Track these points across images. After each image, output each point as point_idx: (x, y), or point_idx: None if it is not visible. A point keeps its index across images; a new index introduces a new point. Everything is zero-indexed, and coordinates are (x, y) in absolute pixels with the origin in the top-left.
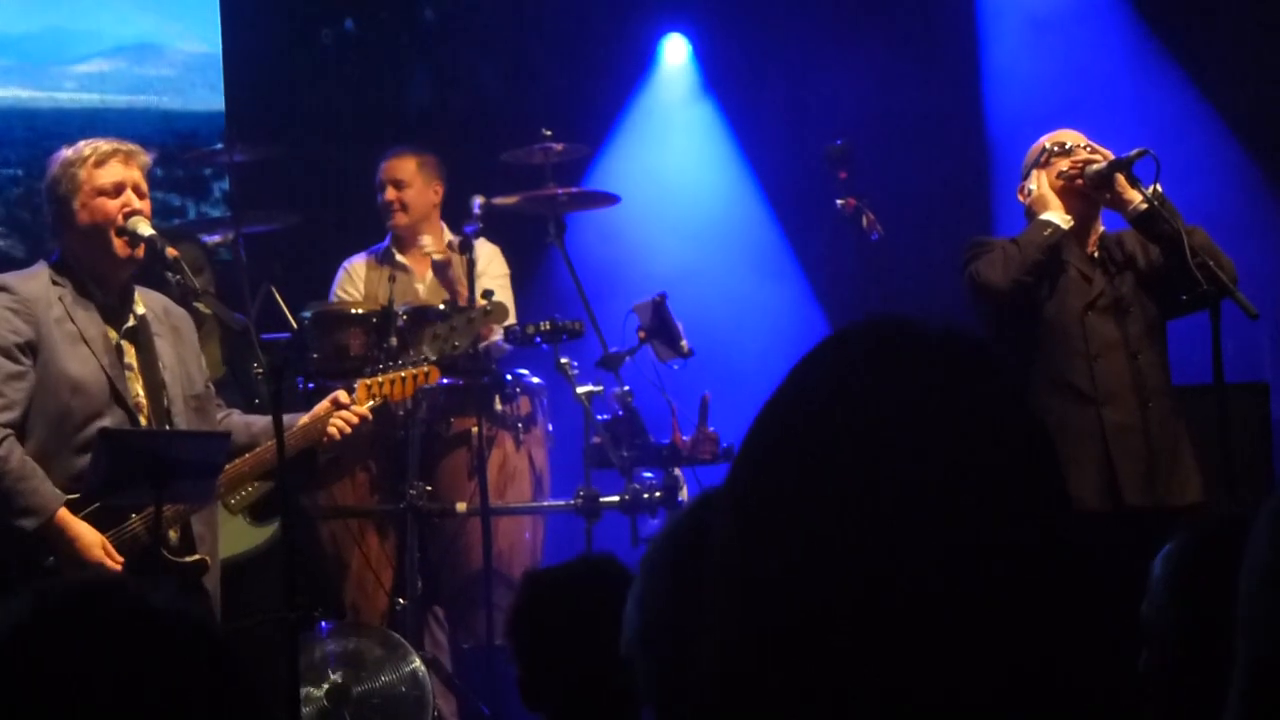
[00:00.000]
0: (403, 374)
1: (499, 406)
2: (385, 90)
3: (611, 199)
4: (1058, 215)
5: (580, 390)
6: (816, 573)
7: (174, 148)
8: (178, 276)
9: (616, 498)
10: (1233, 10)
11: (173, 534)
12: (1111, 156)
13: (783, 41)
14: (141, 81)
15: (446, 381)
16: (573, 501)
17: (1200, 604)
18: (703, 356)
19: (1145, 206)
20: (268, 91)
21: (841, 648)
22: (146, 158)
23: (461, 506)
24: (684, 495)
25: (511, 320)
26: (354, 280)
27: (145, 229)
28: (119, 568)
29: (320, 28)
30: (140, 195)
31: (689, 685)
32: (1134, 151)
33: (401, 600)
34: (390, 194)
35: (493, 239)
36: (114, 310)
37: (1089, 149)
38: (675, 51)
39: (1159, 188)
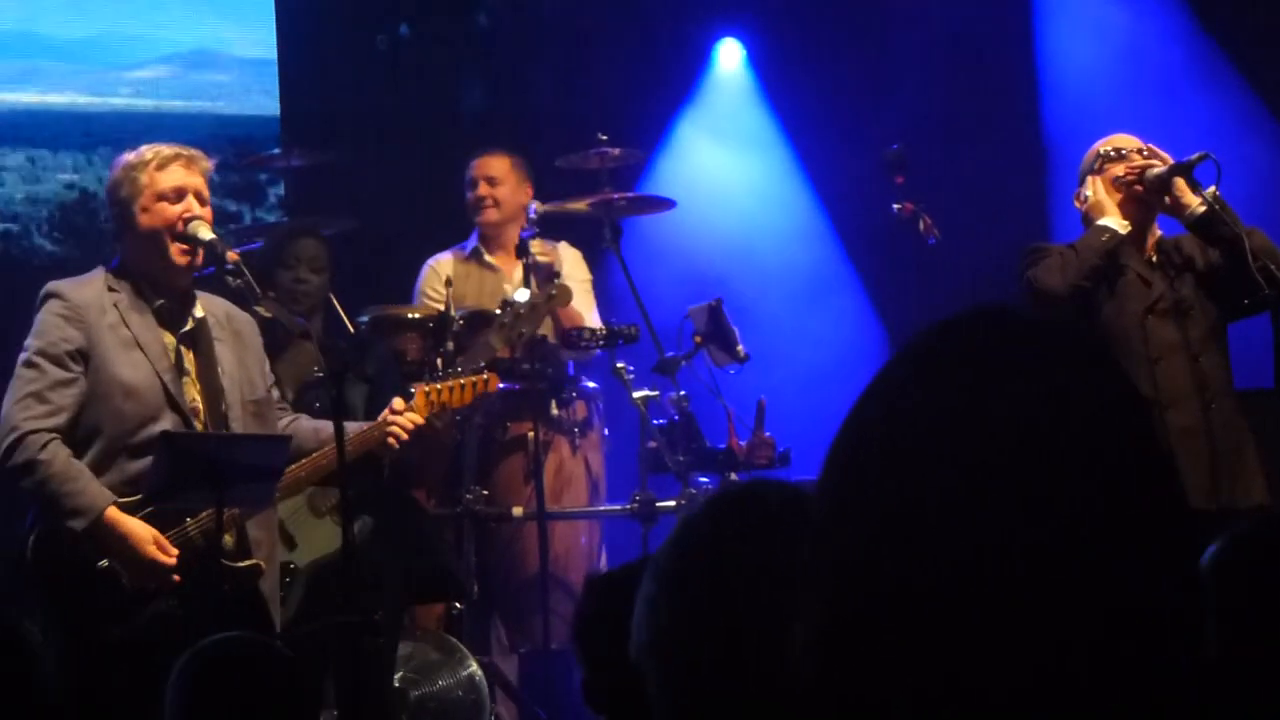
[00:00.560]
0: (462, 381)
1: (555, 411)
2: (440, 95)
3: (667, 203)
4: (1115, 220)
5: (636, 395)
6: (905, 572)
7: (229, 153)
8: (238, 280)
9: (672, 502)
10: None
11: (228, 538)
12: (1168, 160)
13: (837, 45)
14: (197, 87)
15: (503, 386)
16: (629, 506)
17: (1245, 603)
18: (759, 361)
19: (1203, 210)
20: (323, 97)
21: (923, 638)
22: (208, 163)
23: (518, 511)
24: None
25: (593, 323)
26: (440, 278)
27: (205, 233)
28: (173, 562)
29: (375, 33)
30: (201, 201)
31: (702, 692)
32: (1194, 155)
33: (458, 604)
34: (483, 189)
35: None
36: (172, 315)
37: (1145, 153)
38: (730, 56)
39: (1216, 191)
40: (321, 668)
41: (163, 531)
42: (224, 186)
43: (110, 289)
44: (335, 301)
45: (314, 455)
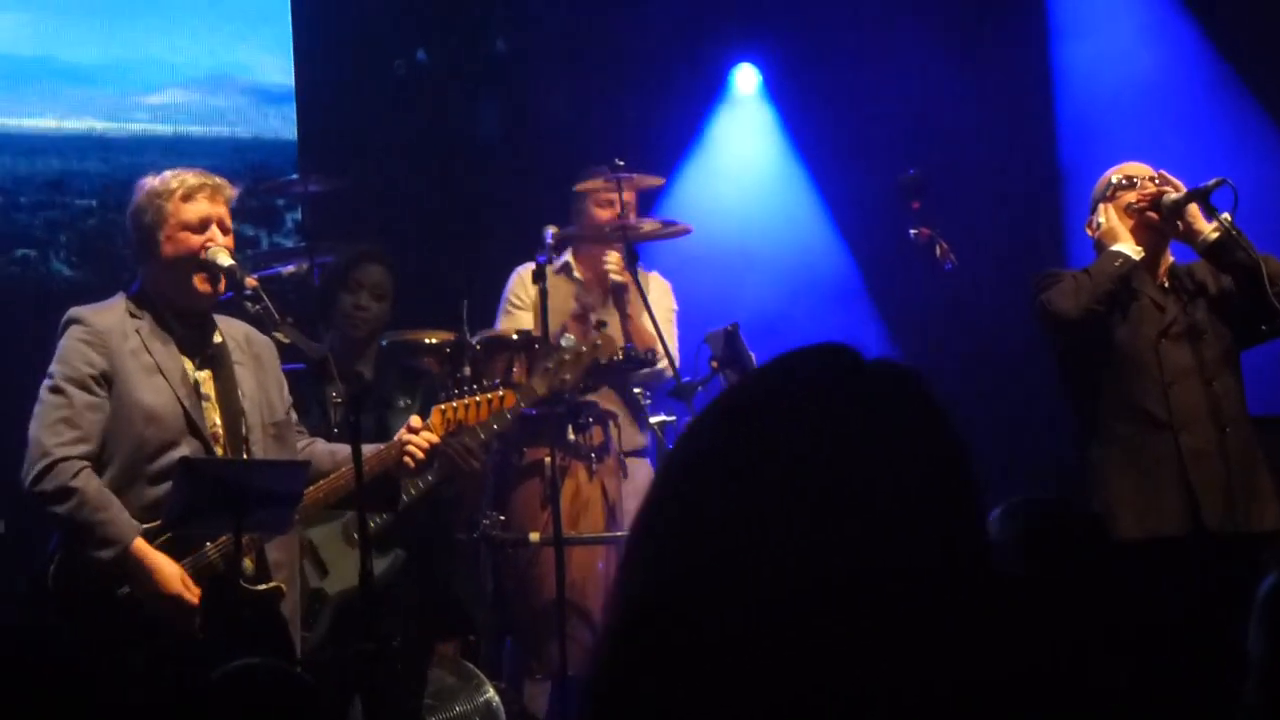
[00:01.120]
0: (478, 399)
1: (571, 436)
2: (457, 120)
3: (683, 229)
4: (1128, 246)
5: (653, 420)
6: (732, 580)
7: (247, 178)
8: (257, 306)
9: None
10: None
11: (248, 562)
12: (1181, 187)
13: (854, 71)
14: (215, 112)
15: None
16: None
17: None
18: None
19: (1216, 237)
20: (340, 121)
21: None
22: (232, 191)
23: (534, 536)
24: None
25: (663, 359)
26: (525, 285)
27: (225, 259)
28: (196, 600)
29: (392, 58)
30: (224, 230)
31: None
32: (1211, 181)
33: (473, 638)
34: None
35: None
36: (192, 341)
37: (1157, 181)
38: (746, 81)
39: (1230, 217)
40: (345, 695)
41: (182, 555)
42: (241, 211)
43: (131, 314)
44: None
45: (331, 477)
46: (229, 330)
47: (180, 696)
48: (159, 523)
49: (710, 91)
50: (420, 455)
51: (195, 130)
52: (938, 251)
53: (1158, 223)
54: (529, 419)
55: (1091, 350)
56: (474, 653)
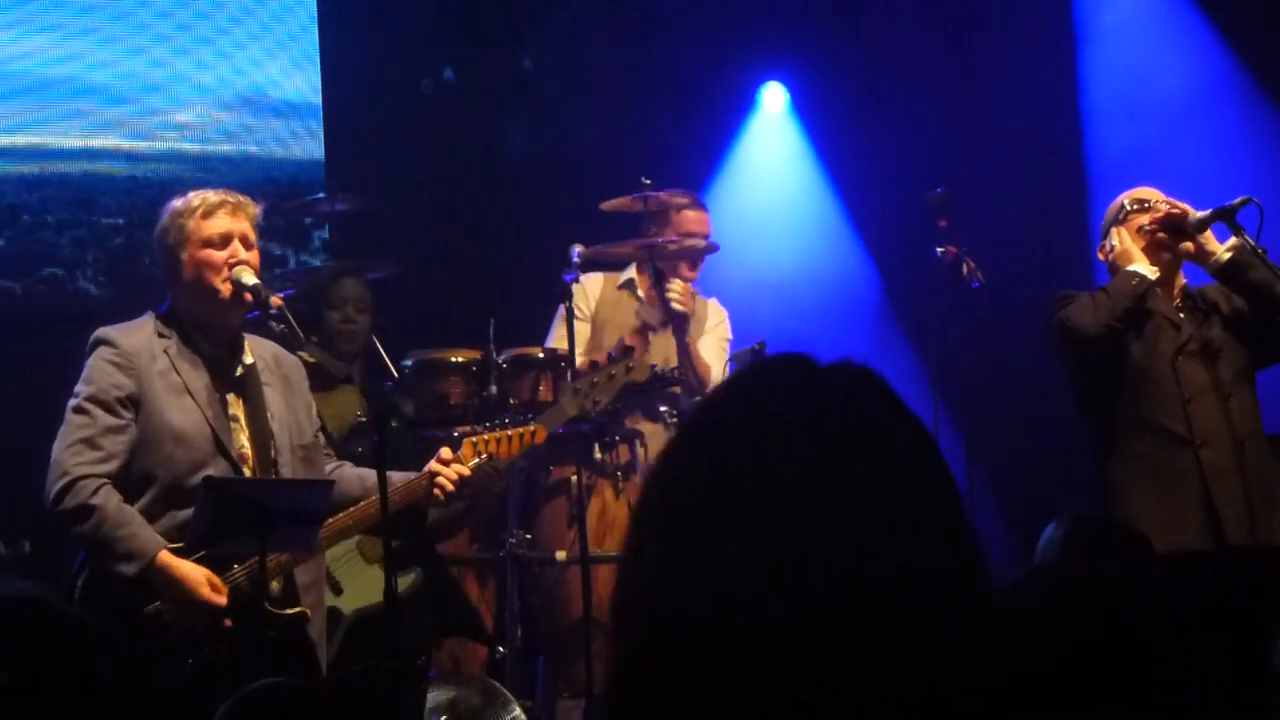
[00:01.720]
0: (509, 433)
1: (598, 455)
2: (484, 139)
3: (711, 247)
4: (1144, 266)
5: None
6: (716, 579)
7: (274, 196)
8: (282, 326)
9: None
10: None
11: (275, 585)
12: (1191, 212)
13: (881, 90)
14: (242, 130)
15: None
16: None
17: None
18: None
19: (1229, 258)
20: (367, 140)
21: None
22: (255, 209)
23: (561, 555)
24: None
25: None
26: (587, 296)
27: (250, 278)
28: (225, 602)
29: (420, 77)
30: (247, 246)
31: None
32: (1237, 200)
33: (501, 649)
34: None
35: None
36: (221, 361)
37: (1168, 204)
38: (774, 100)
39: (1248, 238)
40: (367, 714)
41: None
42: (269, 230)
43: (160, 335)
44: (379, 345)
45: (361, 504)
46: (258, 350)
47: (205, 717)
48: (184, 544)
49: (738, 110)
50: (450, 487)
51: (223, 149)
52: (965, 269)
53: (1170, 244)
54: (556, 438)
55: (1109, 368)
56: (500, 670)
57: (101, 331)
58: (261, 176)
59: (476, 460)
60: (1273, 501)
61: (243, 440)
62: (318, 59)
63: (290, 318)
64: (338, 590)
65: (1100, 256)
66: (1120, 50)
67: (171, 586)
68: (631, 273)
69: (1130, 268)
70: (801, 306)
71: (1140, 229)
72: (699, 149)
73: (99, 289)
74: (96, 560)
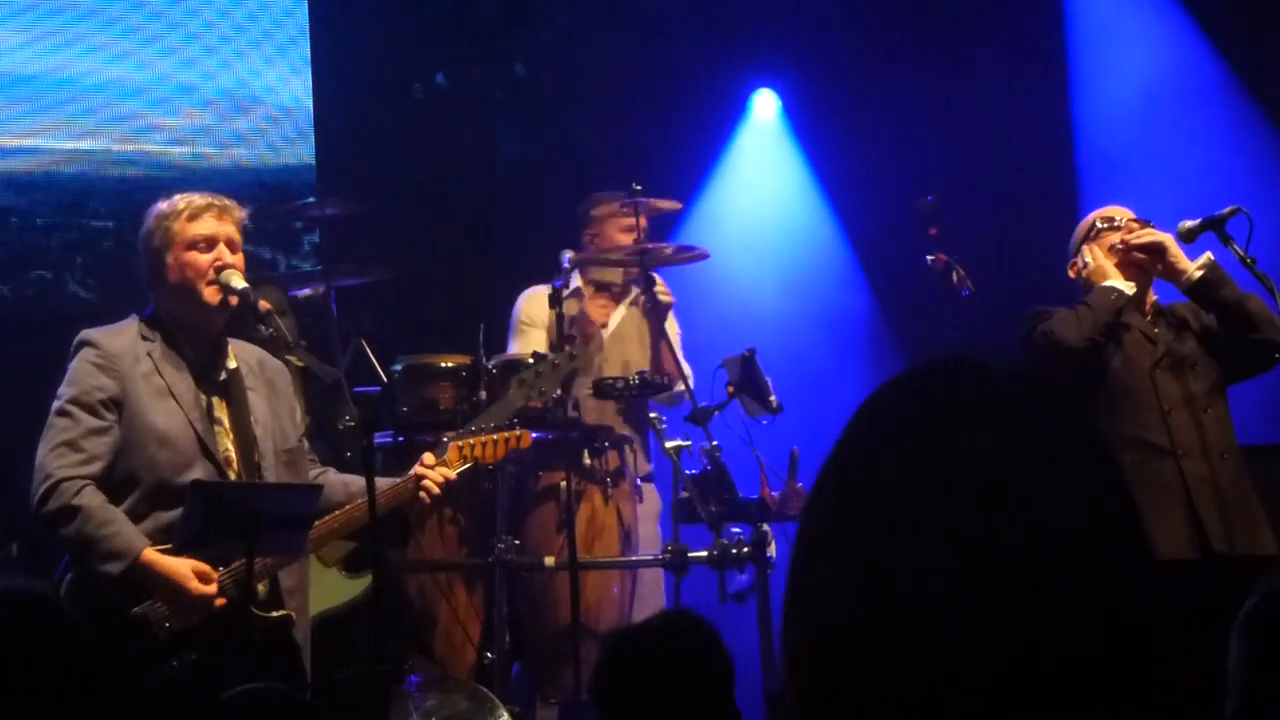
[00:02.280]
0: (494, 436)
1: (587, 461)
2: (476, 144)
3: (701, 254)
4: (1119, 282)
5: (669, 445)
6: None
7: (265, 201)
8: (270, 330)
9: (705, 553)
10: None
11: (261, 588)
12: (1158, 234)
13: (872, 97)
14: (232, 134)
15: (536, 435)
16: (661, 556)
17: (1275, 660)
18: (792, 412)
19: (1200, 275)
20: (358, 144)
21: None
22: (241, 212)
23: (549, 560)
24: (772, 551)
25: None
26: (538, 307)
27: (238, 282)
28: (214, 590)
29: (411, 81)
30: (233, 249)
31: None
32: (1226, 209)
33: (489, 654)
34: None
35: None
36: (205, 365)
37: (1138, 223)
38: (765, 106)
39: (1237, 247)
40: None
41: None
42: (258, 234)
43: (144, 338)
44: (368, 349)
45: (347, 508)
46: (242, 355)
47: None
48: (170, 546)
49: (729, 116)
50: (436, 491)
51: (213, 152)
52: (954, 278)
53: (1144, 262)
54: (545, 443)
55: (1088, 382)
56: (488, 676)
57: (85, 333)
58: (252, 181)
59: (461, 464)
60: (1251, 514)
61: (227, 443)
62: (309, 63)
63: (278, 322)
64: None
65: (1070, 274)
66: (1112, 60)
67: (158, 583)
68: (577, 280)
69: (1107, 283)
70: (791, 313)
71: (1111, 247)
72: (690, 155)
73: (88, 292)
74: (82, 561)
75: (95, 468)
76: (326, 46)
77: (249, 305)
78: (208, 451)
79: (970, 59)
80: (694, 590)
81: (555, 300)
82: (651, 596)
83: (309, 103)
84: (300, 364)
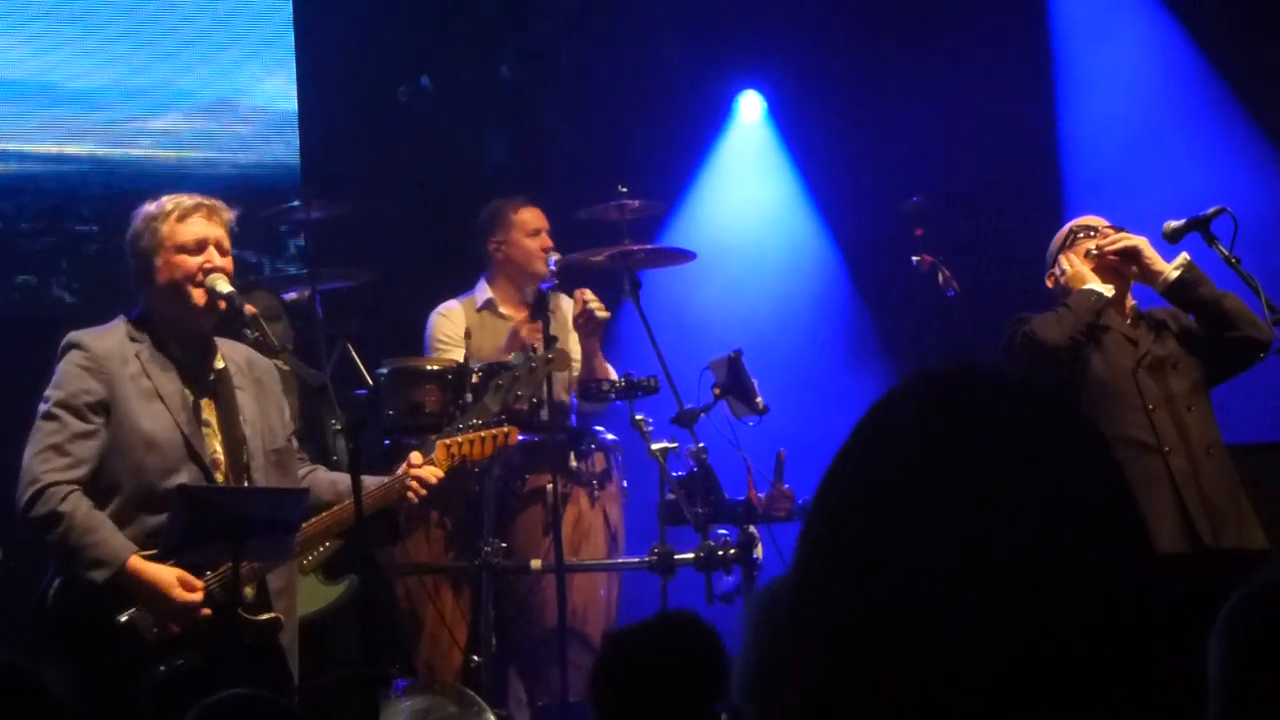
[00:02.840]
0: (481, 434)
1: (574, 463)
2: (462, 147)
3: (687, 255)
4: (1098, 285)
5: (655, 447)
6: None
7: (250, 203)
8: (256, 334)
9: (691, 555)
10: None
11: (249, 591)
12: (1133, 239)
13: (857, 98)
14: (217, 137)
15: (522, 438)
16: (647, 558)
17: (1256, 662)
18: (778, 413)
19: (1176, 276)
20: (344, 148)
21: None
22: (229, 214)
23: (536, 563)
24: (759, 552)
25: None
26: (454, 325)
27: (224, 286)
28: (199, 598)
29: (397, 84)
30: (222, 252)
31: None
32: (1211, 210)
33: (476, 657)
34: (547, 239)
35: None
36: (193, 366)
37: (1115, 230)
38: (750, 108)
39: (1222, 247)
40: None
41: None
42: (244, 238)
43: (132, 339)
44: (354, 352)
45: (334, 509)
46: (231, 355)
47: None
48: (157, 551)
49: (714, 118)
50: (423, 491)
51: (198, 155)
52: (940, 278)
53: (1121, 266)
54: (531, 446)
55: (1070, 382)
56: (475, 679)
57: (73, 335)
58: (237, 183)
59: (449, 463)
60: (1239, 509)
61: (215, 445)
62: (294, 65)
63: (264, 326)
64: None
65: (1049, 283)
66: (1096, 59)
67: (143, 590)
68: (488, 292)
69: (1086, 286)
70: (778, 315)
71: (1088, 253)
72: (676, 157)
73: (73, 296)
74: (68, 567)
75: (82, 472)
76: (311, 49)
77: (235, 309)
78: (195, 454)
79: (956, 60)
80: (680, 592)
81: (542, 304)
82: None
83: (294, 105)
84: (286, 368)
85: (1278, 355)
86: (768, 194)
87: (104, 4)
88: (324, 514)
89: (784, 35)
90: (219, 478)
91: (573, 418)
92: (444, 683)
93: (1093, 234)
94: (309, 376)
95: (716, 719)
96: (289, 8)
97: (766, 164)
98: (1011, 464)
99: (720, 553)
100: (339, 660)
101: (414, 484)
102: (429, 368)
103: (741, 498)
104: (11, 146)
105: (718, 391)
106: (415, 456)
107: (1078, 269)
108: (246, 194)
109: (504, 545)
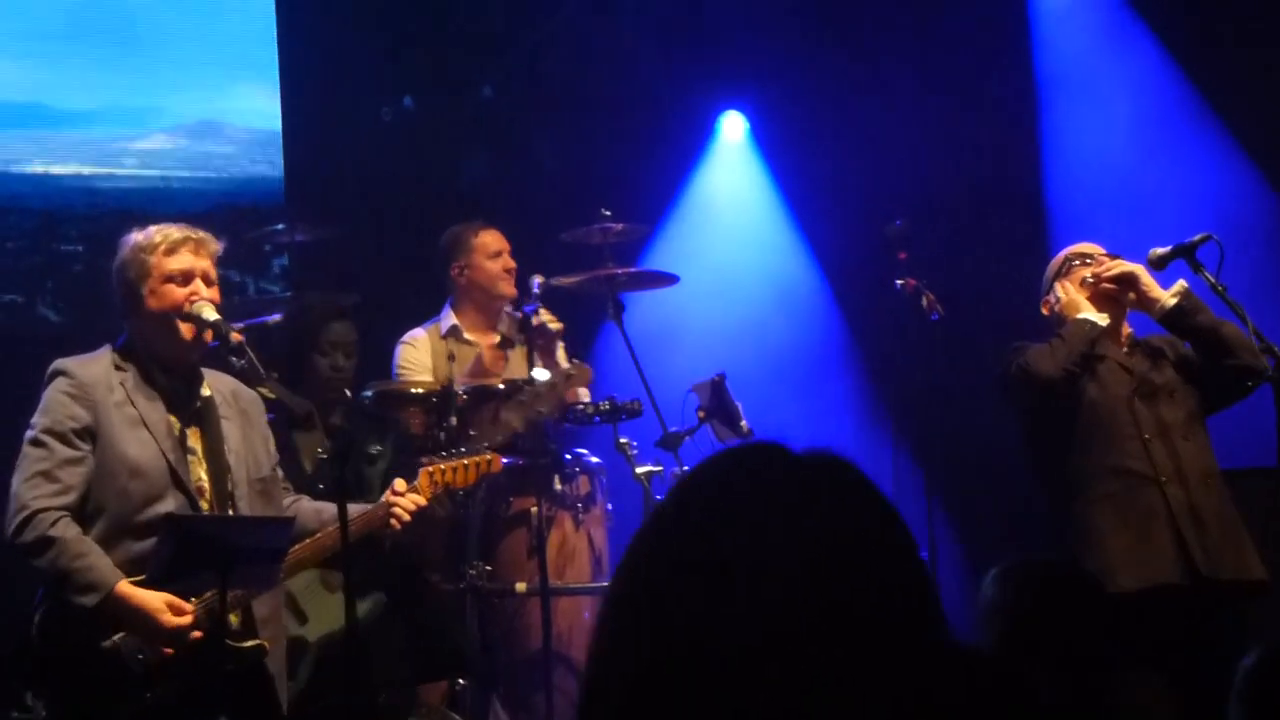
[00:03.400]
0: (465, 462)
1: (558, 486)
2: (444, 167)
3: (670, 278)
4: (1092, 314)
5: (640, 470)
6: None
7: (234, 222)
8: (242, 361)
9: None
10: None
11: (234, 618)
12: (1128, 266)
13: (841, 118)
14: (202, 157)
15: (506, 461)
16: None
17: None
18: (762, 436)
19: (1174, 304)
20: (327, 167)
21: None
22: (217, 245)
23: (521, 586)
24: None
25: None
26: (419, 352)
27: (210, 314)
28: (189, 621)
29: (380, 104)
30: (209, 283)
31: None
32: (1197, 236)
33: (461, 680)
34: (510, 261)
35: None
36: (179, 394)
37: (1110, 258)
38: (733, 129)
39: (1207, 274)
40: None
41: None
42: (228, 258)
43: (117, 367)
44: None
45: (317, 536)
46: (216, 384)
47: None
48: (143, 577)
49: (697, 139)
50: (407, 518)
51: (183, 175)
52: (924, 302)
53: (1117, 294)
54: (516, 469)
55: (1067, 413)
56: (459, 702)
57: (59, 363)
58: (222, 203)
59: (433, 489)
60: (1238, 538)
61: (200, 473)
62: (278, 85)
63: (251, 353)
64: (303, 619)
65: (1044, 311)
66: (1082, 80)
67: (132, 616)
68: (453, 319)
69: (1080, 315)
70: (761, 337)
71: (1084, 280)
72: (658, 178)
73: (58, 315)
74: (56, 592)
75: (71, 498)
76: (295, 69)
77: (221, 337)
78: (179, 482)
79: (940, 80)
80: None
81: (525, 325)
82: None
83: (278, 125)
84: (272, 395)
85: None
86: (751, 215)
87: (90, 25)
88: (307, 541)
89: (767, 55)
90: (204, 505)
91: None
92: (429, 705)
93: (1088, 261)
94: (294, 404)
95: None
96: (273, 29)
97: (750, 185)
98: (789, 541)
99: None
100: (371, 675)
101: (397, 511)
102: (414, 391)
103: None
104: None
105: (702, 415)
106: (399, 484)
107: (1072, 297)
108: (231, 213)
109: (489, 568)
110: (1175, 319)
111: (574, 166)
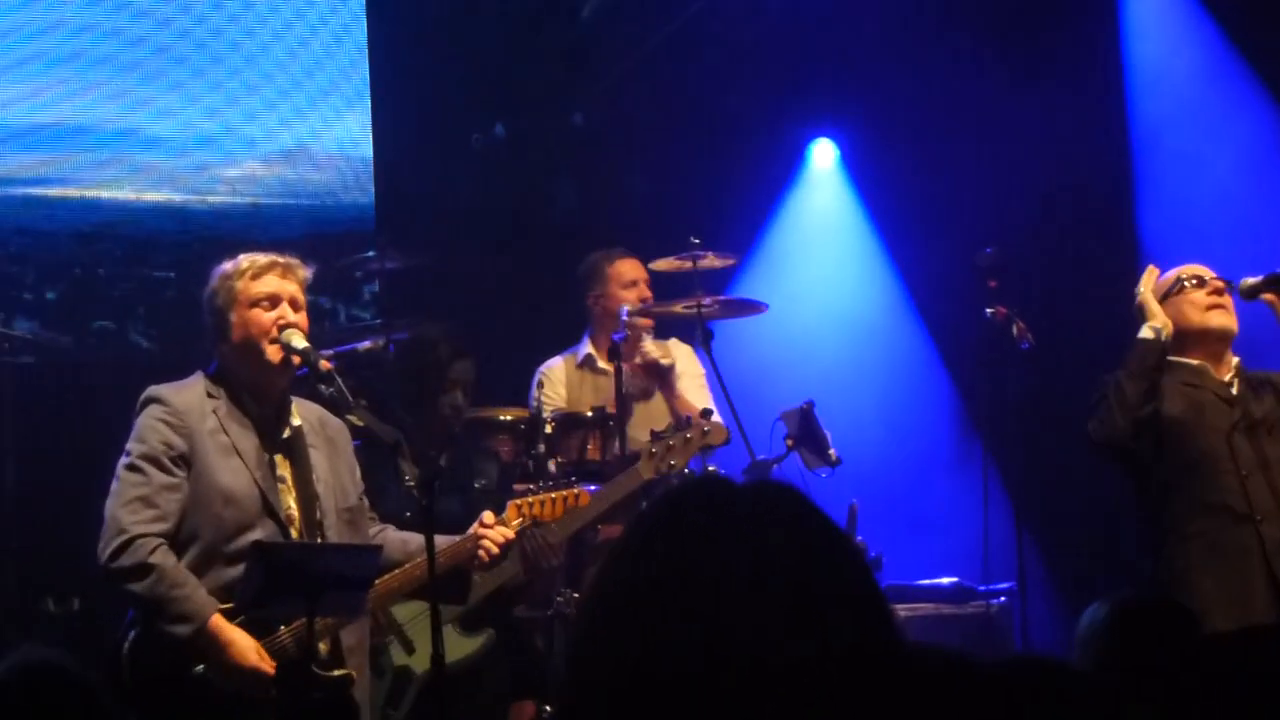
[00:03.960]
0: (553, 495)
1: None
2: (534, 195)
3: (759, 306)
4: (1154, 323)
5: None
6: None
7: (325, 249)
8: (330, 389)
9: None
10: None
11: (322, 647)
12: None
13: (931, 147)
14: (293, 184)
15: (594, 489)
16: None
17: None
18: (850, 465)
19: None
20: (418, 195)
21: None
22: (305, 271)
23: None
24: None
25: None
26: (554, 385)
27: (299, 342)
28: (271, 672)
29: (470, 132)
30: (296, 308)
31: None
32: None
33: (548, 708)
34: (646, 290)
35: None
36: (269, 422)
37: (1223, 282)
38: (823, 156)
39: None
40: None
41: (257, 638)
42: (318, 282)
43: (209, 395)
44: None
45: (406, 567)
46: (304, 413)
47: None
48: (233, 605)
49: (788, 167)
50: (495, 550)
51: (274, 201)
52: (1015, 330)
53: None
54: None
55: (1162, 449)
56: None
57: (153, 390)
58: (312, 229)
59: (520, 522)
60: None
61: (289, 501)
62: (369, 112)
63: (339, 381)
64: (410, 649)
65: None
66: (1171, 109)
67: (221, 651)
68: (588, 347)
69: (1141, 333)
70: (850, 365)
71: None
72: (748, 206)
73: (150, 342)
74: (149, 619)
75: (168, 525)
76: (387, 96)
77: (310, 364)
78: (271, 510)
79: (1032, 108)
80: None
81: (615, 354)
82: None
83: (369, 152)
84: (360, 424)
85: None
86: (840, 243)
87: (182, 55)
88: (395, 571)
89: (858, 82)
90: (294, 534)
91: None
92: None
93: (1199, 283)
94: (383, 433)
95: None
96: (365, 56)
97: (840, 212)
98: (717, 573)
99: None
100: (483, 709)
101: (486, 543)
102: (502, 418)
103: None
104: (90, 194)
105: (790, 443)
106: (487, 516)
107: (1146, 299)
108: (322, 239)
109: (576, 595)
110: None
111: (664, 194)
